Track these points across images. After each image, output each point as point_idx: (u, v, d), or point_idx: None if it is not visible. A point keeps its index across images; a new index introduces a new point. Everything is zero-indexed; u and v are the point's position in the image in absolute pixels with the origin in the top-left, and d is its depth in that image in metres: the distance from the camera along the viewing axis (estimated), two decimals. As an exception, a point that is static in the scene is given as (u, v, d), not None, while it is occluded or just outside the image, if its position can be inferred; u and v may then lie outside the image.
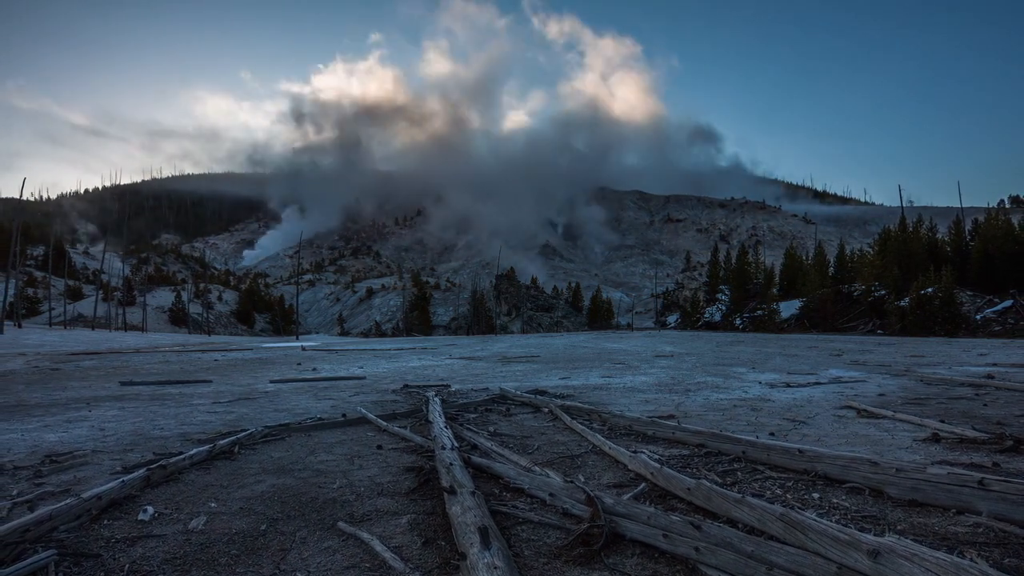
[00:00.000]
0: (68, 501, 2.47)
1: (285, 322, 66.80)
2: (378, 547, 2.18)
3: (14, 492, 2.89)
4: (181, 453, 3.51)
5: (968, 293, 27.80)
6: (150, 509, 2.58)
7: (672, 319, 54.85)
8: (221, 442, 3.78)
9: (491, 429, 4.57)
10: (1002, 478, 2.31)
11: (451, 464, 2.92)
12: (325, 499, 2.79)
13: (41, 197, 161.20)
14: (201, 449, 3.53)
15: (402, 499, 2.80)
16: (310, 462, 3.52)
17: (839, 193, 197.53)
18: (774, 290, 39.65)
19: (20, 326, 33.45)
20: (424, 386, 7.79)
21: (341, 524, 2.45)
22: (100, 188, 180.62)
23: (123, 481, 2.80)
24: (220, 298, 71.71)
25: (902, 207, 43.42)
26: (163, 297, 64.60)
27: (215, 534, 2.35)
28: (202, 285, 71.17)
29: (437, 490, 2.83)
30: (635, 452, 3.40)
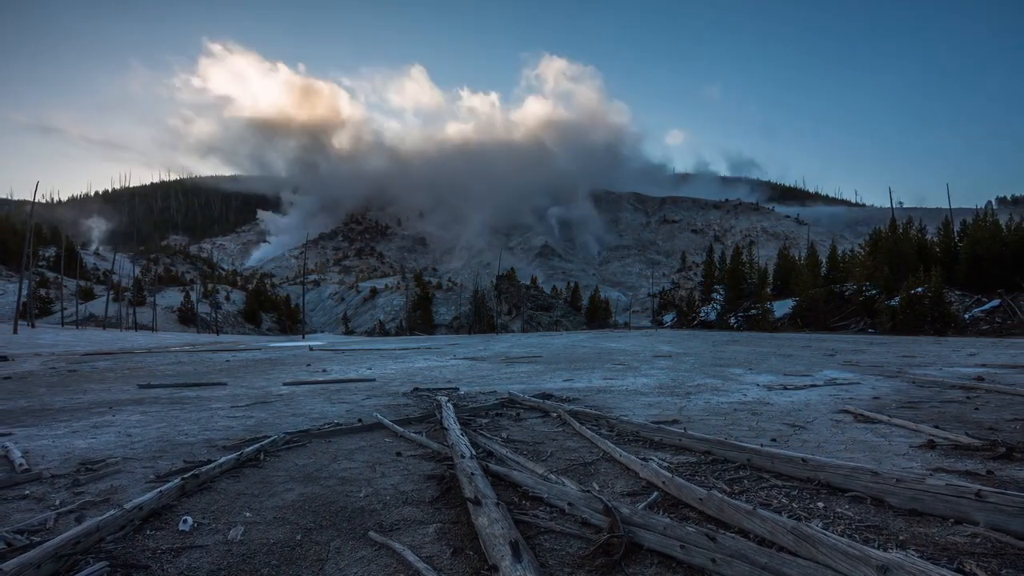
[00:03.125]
0: (112, 512, 2.58)
1: (291, 321, 67.13)
2: (410, 557, 2.28)
3: (56, 502, 3.00)
4: (211, 461, 3.63)
5: (957, 293, 28.09)
6: (189, 519, 2.69)
7: (668, 318, 55.08)
8: (247, 449, 3.90)
9: (504, 435, 4.68)
10: (998, 490, 2.43)
11: (473, 474, 3.04)
12: (353, 508, 2.90)
13: (52, 200, 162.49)
14: (229, 457, 3.65)
15: (427, 508, 2.91)
16: (334, 470, 3.65)
17: (831, 195, 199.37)
18: (768, 290, 39.99)
19: (33, 326, 33.67)
20: (433, 388, 7.93)
21: (372, 534, 2.55)
22: (110, 191, 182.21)
23: (160, 491, 2.92)
24: (228, 298, 72.04)
25: (892, 208, 43.74)
26: (172, 297, 65.03)
27: (254, 544, 2.45)
28: (210, 285, 71.84)
29: (459, 499, 2.94)
30: (645, 460, 3.52)
